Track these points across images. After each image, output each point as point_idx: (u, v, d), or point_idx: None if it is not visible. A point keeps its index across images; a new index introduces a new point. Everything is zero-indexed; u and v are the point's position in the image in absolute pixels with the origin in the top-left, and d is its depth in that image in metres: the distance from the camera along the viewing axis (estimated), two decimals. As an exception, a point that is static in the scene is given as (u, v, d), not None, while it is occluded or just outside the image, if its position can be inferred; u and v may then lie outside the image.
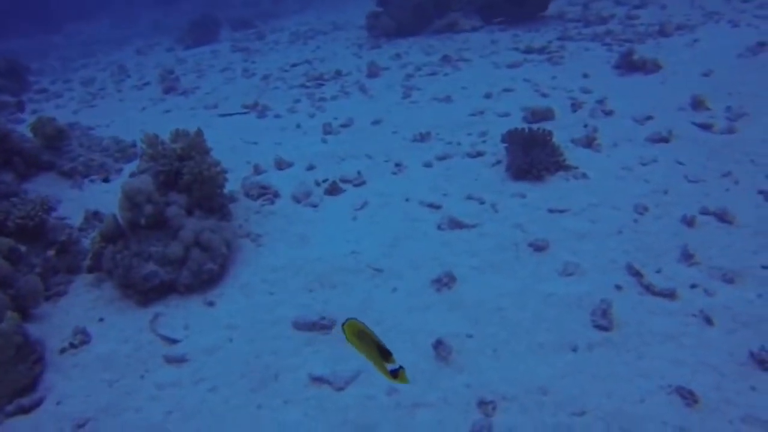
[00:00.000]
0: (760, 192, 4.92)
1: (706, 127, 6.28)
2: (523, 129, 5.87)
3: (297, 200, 5.70)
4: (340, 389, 3.46)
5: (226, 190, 5.50)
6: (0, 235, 4.72)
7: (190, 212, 4.94)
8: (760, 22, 9.72)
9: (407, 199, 5.44)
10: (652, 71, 8.37)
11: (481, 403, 3.21)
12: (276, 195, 5.85)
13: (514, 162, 5.55)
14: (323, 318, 3.97)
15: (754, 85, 7.13)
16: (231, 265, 4.83)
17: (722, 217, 4.66)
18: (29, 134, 6.84)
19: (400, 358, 3.66)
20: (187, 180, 5.02)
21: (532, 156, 5.52)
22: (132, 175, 5.27)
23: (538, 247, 4.50)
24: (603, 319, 3.71)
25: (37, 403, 3.68)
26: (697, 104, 6.82)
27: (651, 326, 3.70)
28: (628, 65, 8.57)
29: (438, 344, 3.55)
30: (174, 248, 4.53)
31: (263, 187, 5.87)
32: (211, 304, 4.42)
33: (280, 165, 6.55)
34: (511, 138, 5.77)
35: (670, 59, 8.60)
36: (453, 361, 3.53)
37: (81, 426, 3.48)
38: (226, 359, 3.86)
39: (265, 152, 6.98)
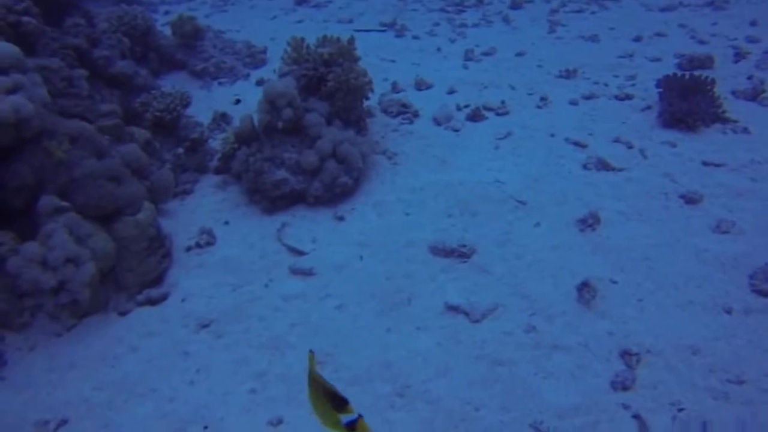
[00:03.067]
0: None
1: None
2: (683, 74, 5.13)
3: (437, 122, 5.35)
4: (476, 321, 3.19)
5: (365, 105, 5.15)
6: (137, 127, 4.57)
7: (329, 122, 4.58)
8: None
9: (552, 135, 4.96)
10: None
11: (625, 354, 2.89)
12: (416, 114, 5.51)
13: (669, 108, 4.88)
14: (463, 245, 3.68)
15: None
16: (365, 181, 4.52)
17: None
18: (166, 32, 6.63)
19: (540, 296, 3.38)
20: (331, 87, 4.60)
21: (690, 104, 4.82)
22: (271, 79, 4.93)
23: (690, 200, 3.96)
24: (766, 284, 3.21)
25: (164, 297, 3.57)
26: None
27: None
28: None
29: (583, 286, 3.23)
30: (309, 157, 4.21)
31: (403, 105, 5.53)
32: (341, 218, 4.15)
33: (420, 85, 6.18)
34: (668, 83, 5.06)
35: None
36: (596, 305, 3.21)
37: (205, 326, 3.34)
38: (356, 277, 3.59)
39: (403, 72, 6.59)
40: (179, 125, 4.95)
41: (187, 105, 4.96)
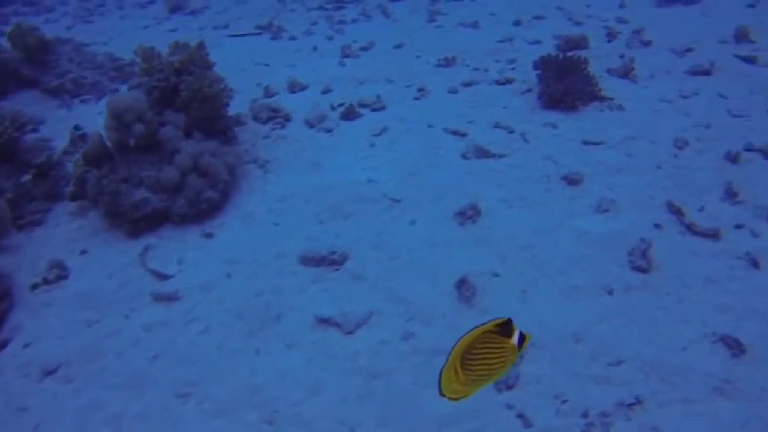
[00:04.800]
0: (814, 129, 4.32)
1: (750, 60, 5.57)
2: (557, 55, 5.23)
3: (310, 124, 5.15)
4: (350, 333, 3.02)
5: (233, 113, 4.93)
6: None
7: (188, 134, 4.32)
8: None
9: (430, 126, 4.89)
10: (692, 2, 7.51)
11: (508, 348, 2.80)
12: (287, 118, 5.29)
13: (547, 90, 4.95)
14: (333, 252, 3.51)
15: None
16: (234, 193, 4.28)
17: (769, 154, 4.09)
18: (6, 45, 5.91)
19: (418, 298, 3.26)
20: (185, 97, 4.33)
21: (566, 84, 4.91)
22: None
23: (572, 181, 3.99)
24: (642, 260, 3.25)
25: (2, 346, 3.21)
26: (740, 36, 6.06)
27: (693, 268, 3.24)
28: (668, -5, 7.70)
29: (461, 283, 3.13)
30: (168, 173, 3.93)
31: (273, 110, 5.30)
32: (209, 235, 3.89)
33: (294, 87, 5.96)
34: (545, 64, 5.14)
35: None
36: (477, 302, 3.11)
37: (51, 372, 3.00)
38: (223, 297, 3.36)
39: (277, 74, 6.36)
40: (19, 149, 4.44)
41: (21, 128, 4.43)
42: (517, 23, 7.28)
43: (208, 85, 4.32)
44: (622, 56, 5.96)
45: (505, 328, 1.53)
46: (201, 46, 4.54)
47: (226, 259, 3.65)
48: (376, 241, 3.68)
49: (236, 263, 3.61)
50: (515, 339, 1.54)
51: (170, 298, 3.40)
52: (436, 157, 4.42)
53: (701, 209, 3.66)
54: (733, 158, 4.10)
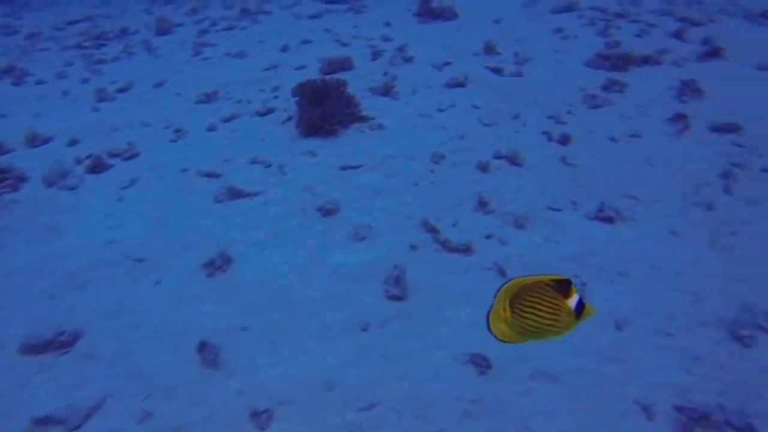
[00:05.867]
0: (544, 133, 4.71)
1: (497, 71, 6.03)
2: (314, 80, 5.16)
3: (49, 183, 4.48)
4: (76, 428, 2.55)
5: None
6: None
7: None
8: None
9: (184, 170, 4.50)
10: (450, 18, 8.06)
11: (254, 415, 2.52)
12: (21, 179, 4.56)
13: (304, 116, 4.83)
14: (62, 333, 2.98)
15: (534, 31, 7.08)
16: None
17: (513, 160, 4.36)
18: None
19: (159, 370, 2.87)
20: None
21: (323, 108, 4.83)
22: None
23: (328, 211, 3.86)
24: (396, 288, 3.18)
25: None
26: (489, 49, 6.58)
27: (447, 287, 3.26)
28: (428, 13, 8.18)
29: (202, 347, 2.79)
30: None
31: (2, 171, 4.54)
32: None
33: (34, 141, 5.21)
34: (302, 90, 5.03)
35: (464, 7, 8.34)
36: (223, 363, 2.80)
37: None
38: None
39: (14, 127, 5.53)
40: None
41: None
42: (284, 49, 7.18)
43: None
44: (385, 74, 6.11)
45: (563, 286, 1.50)
46: None
47: None
48: (116, 309, 3.21)
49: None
50: (572, 303, 1.50)
51: None
52: (187, 205, 4.04)
53: (455, 224, 3.74)
54: (484, 167, 4.30)
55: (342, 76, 6.15)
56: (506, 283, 1.53)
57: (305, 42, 7.39)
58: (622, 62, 5.94)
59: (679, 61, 5.93)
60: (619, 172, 4.21)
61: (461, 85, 5.75)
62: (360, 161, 4.46)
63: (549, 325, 1.52)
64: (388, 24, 7.96)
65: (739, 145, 4.36)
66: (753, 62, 5.66)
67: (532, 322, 1.52)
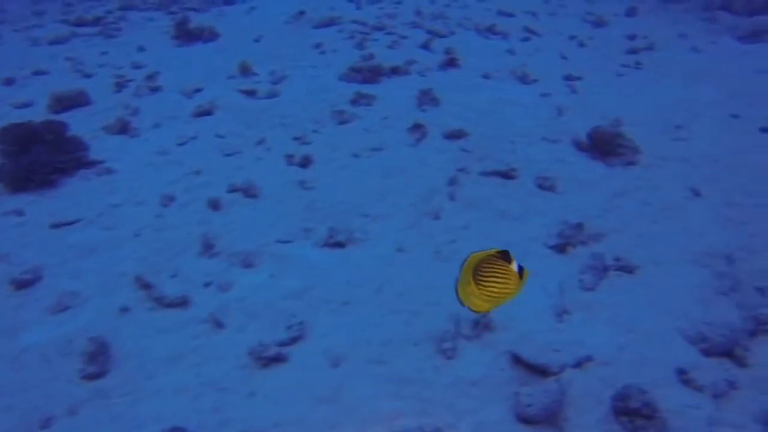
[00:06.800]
0: (287, 156, 4.61)
1: (250, 93, 5.85)
2: (22, 123, 4.54)
3: None
4: None
5: None
6: None
7: None
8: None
9: None
10: (210, 39, 7.73)
11: None
12: None
13: (6, 169, 4.22)
14: None
15: (293, 48, 7.04)
16: None
17: (248, 192, 4.19)
18: None
19: None
20: None
21: (32, 157, 4.26)
22: None
23: (24, 283, 3.37)
24: (92, 364, 2.82)
25: None
26: (244, 70, 6.37)
27: (158, 350, 2.97)
28: (186, 35, 7.76)
29: None
30: None
31: None
32: None
33: None
34: (4, 137, 4.39)
35: (228, 27, 8.08)
36: None
37: None
38: None
39: None
40: None
41: None
42: (8, 82, 6.33)
43: None
44: (127, 107, 5.62)
45: (505, 255, 1.77)
46: None
47: None
48: None
49: None
50: (515, 267, 1.78)
51: None
52: None
53: (175, 275, 3.46)
54: (215, 204, 4.07)
55: (76, 113, 5.57)
56: (465, 260, 1.77)
57: (37, 73, 6.60)
58: (373, 74, 6.09)
59: (424, 70, 6.23)
60: (357, 190, 4.23)
61: (208, 113, 5.47)
62: (77, 215, 3.99)
63: (505, 289, 1.78)
64: (142, 49, 7.42)
65: (466, 150, 4.61)
66: (480, 71, 6.10)
67: (494, 289, 1.77)
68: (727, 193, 4.16)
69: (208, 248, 3.64)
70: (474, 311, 1.82)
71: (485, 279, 1.77)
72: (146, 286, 3.31)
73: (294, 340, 2.99)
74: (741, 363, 2.89)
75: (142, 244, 3.71)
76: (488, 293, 1.78)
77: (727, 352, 2.94)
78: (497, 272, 1.78)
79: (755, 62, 6.37)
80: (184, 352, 2.95)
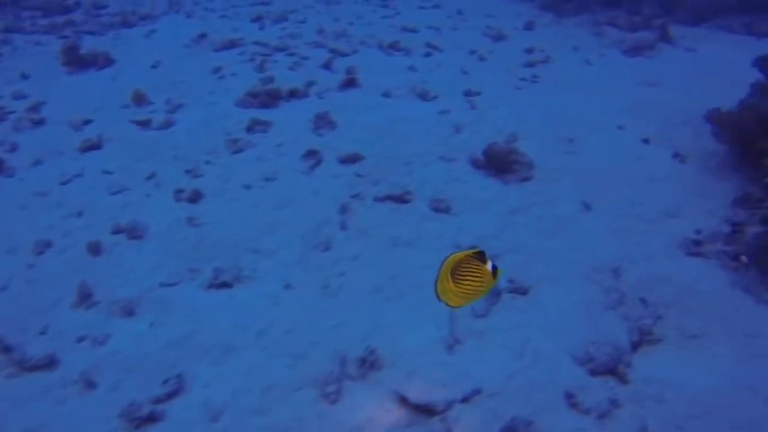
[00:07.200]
0: (177, 191, 4.40)
1: (144, 123, 5.59)
2: None
3: None
4: None
5: None
6: None
7: None
8: (207, 14, 9.54)
9: None
10: (105, 66, 7.36)
11: None
12: None
13: None
14: None
15: (191, 73, 6.80)
16: None
17: (133, 233, 3.97)
18: None
19: None
20: None
21: None
22: None
23: None
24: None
25: None
26: (139, 99, 6.09)
27: (14, 423, 2.72)
28: (77, 61, 7.36)
29: None
30: None
31: None
32: None
33: None
34: None
35: (124, 52, 7.72)
36: None
37: None
38: None
39: None
40: None
41: None
42: None
43: None
44: (2, 143, 5.25)
45: (481, 255, 2.02)
46: None
47: None
48: None
49: None
50: (489, 267, 2.02)
51: None
52: None
53: (43, 332, 3.22)
54: (95, 249, 3.82)
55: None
56: (444, 261, 1.97)
57: None
58: (271, 98, 5.95)
59: (323, 92, 6.15)
60: (248, 224, 4.08)
61: (96, 147, 5.18)
62: (-66, 270, 3.65)
63: (479, 287, 2.01)
64: (25, 76, 6.98)
65: (360, 175, 4.55)
66: (380, 90, 6.09)
67: (470, 287, 1.99)
68: (614, 204, 4.29)
69: (85, 298, 3.41)
70: (450, 306, 2.04)
71: (462, 277, 2.00)
72: (5, 349, 3.04)
73: (170, 395, 2.82)
74: (623, 380, 2.95)
75: (8, 299, 3.43)
76: (464, 291, 2.01)
77: (611, 370, 2.99)
78: (473, 271, 2.01)
79: (637, 75, 6.68)
80: (45, 423, 2.72)
